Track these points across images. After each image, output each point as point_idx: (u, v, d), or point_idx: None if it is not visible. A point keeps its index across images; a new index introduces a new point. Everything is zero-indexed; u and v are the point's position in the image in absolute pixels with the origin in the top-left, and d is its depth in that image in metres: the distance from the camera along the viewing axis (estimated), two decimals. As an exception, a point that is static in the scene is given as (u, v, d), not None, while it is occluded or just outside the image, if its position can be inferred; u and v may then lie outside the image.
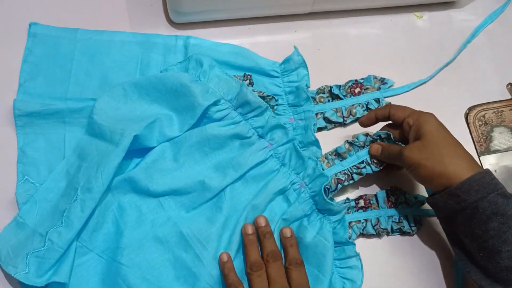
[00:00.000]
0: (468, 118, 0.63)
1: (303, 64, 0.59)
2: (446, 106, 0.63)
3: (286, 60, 0.59)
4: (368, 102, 0.59)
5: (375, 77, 0.62)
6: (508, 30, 0.69)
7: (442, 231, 0.53)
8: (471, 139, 0.62)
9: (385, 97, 0.61)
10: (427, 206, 0.57)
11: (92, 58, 0.58)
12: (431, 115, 0.51)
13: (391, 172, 0.57)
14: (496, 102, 0.64)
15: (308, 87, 0.59)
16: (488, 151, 0.61)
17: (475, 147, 0.61)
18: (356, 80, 0.61)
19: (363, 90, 0.60)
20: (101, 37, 0.60)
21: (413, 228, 0.56)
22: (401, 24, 0.67)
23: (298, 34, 0.65)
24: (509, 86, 0.65)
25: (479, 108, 0.63)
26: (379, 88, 0.61)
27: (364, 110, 0.59)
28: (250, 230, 0.51)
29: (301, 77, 0.59)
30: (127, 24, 0.62)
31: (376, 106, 0.59)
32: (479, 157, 0.61)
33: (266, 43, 0.63)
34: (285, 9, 0.63)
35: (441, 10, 0.69)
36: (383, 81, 0.62)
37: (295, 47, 0.58)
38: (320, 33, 0.64)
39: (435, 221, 0.57)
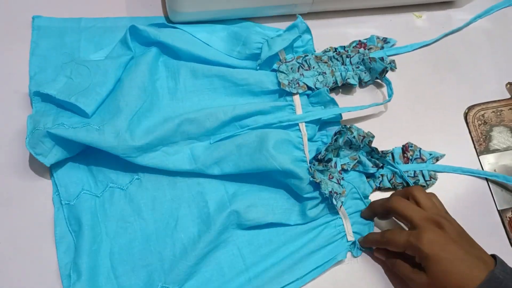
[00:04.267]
0: (468, 117, 0.63)
1: (308, 30, 0.60)
2: (445, 105, 0.63)
3: (291, 27, 0.60)
4: (368, 47, 0.63)
5: (377, 37, 0.64)
6: (507, 29, 0.69)
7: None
8: (470, 139, 0.62)
9: (388, 56, 0.64)
10: (441, 161, 0.59)
11: (98, 45, 0.59)
12: (426, 240, 0.46)
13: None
14: (495, 101, 0.64)
15: (314, 51, 0.62)
16: (488, 150, 0.61)
17: (475, 147, 0.61)
18: (359, 41, 0.64)
19: (367, 49, 0.63)
20: (104, 24, 0.61)
21: (428, 182, 0.57)
22: (400, 24, 0.67)
23: (297, 34, 0.65)
24: (508, 85, 0.65)
25: (478, 108, 0.63)
26: (382, 47, 0.64)
27: (361, 60, 0.61)
28: None
29: (306, 42, 0.61)
30: (126, 25, 0.62)
31: (380, 67, 0.59)
32: (478, 156, 0.61)
33: (266, 43, 0.63)
34: (284, 9, 0.63)
35: (440, 10, 0.69)
36: (385, 40, 0.64)
37: (298, 16, 0.59)
38: (320, 33, 0.64)
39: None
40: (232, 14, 0.62)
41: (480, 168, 0.60)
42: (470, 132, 0.62)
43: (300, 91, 0.57)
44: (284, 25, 0.64)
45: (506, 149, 0.62)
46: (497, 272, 0.44)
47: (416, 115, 0.62)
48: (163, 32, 0.58)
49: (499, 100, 0.64)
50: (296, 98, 0.57)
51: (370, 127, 0.57)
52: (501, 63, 0.67)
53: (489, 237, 0.57)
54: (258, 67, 0.58)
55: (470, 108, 0.63)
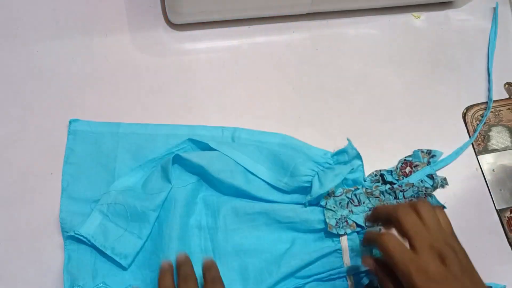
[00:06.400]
0: (466, 117, 0.63)
1: (358, 156, 0.55)
2: (444, 105, 0.63)
3: (340, 152, 0.56)
4: (422, 180, 0.57)
5: (422, 151, 0.59)
6: (505, 29, 0.69)
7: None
8: (469, 139, 0.62)
9: (436, 170, 0.59)
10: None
11: (136, 155, 0.56)
12: (424, 276, 0.40)
13: None
14: (494, 101, 0.64)
15: (365, 180, 0.57)
16: (486, 150, 0.62)
17: (473, 147, 0.62)
18: (405, 159, 0.58)
19: (413, 168, 0.58)
20: (144, 131, 0.57)
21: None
22: (399, 25, 0.68)
23: (296, 34, 0.65)
24: (507, 85, 0.65)
25: (477, 108, 0.63)
26: (428, 162, 0.58)
27: (415, 193, 0.56)
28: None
29: (356, 168, 0.56)
30: (125, 26, 0.62)
31: (431, 184, 0.57)
32: (476, 156, 0.61)
33: (264, 44, 0.64)
34: (283, 10, 0.64)
35: (439, 10, 0.69)
36: (430, 153, 0.59)
37: (348, 140, 0.55)
38: (318, 33, 0.64)
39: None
40: (230, 15, 0.63)
41: (479, 168, 0.60)
42: (468, 132, 0.62)
43: (349, 231, 0.53)
44: (282, 26, 0.65)
45: (504, 149, 0.62)
46: None
47: (414, 115, 0.63)
48: (204, 160, 0.54)
49: (497, 100, 0.64)
50: (344, 240, 0.53)
51: (369, 126, 0.57)
52: (499, 63, 0.67)
53: (487, 237, 0.57)
54: (307, 203, 0.53)
55: (468, 108, 0.63)
